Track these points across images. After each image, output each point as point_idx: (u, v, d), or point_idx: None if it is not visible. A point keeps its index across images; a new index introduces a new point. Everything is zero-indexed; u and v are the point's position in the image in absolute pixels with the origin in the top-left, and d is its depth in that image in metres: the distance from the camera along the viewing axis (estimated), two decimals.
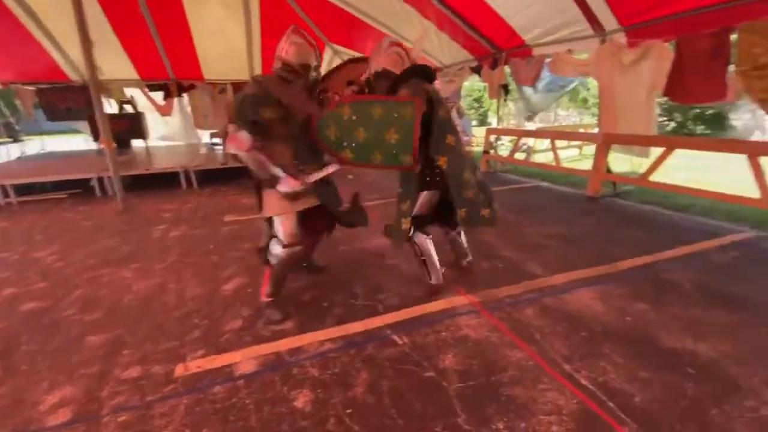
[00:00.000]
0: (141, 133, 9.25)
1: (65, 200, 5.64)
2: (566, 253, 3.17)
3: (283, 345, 2.01)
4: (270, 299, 2.29)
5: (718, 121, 12.79)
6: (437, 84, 2.42)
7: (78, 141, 12.36)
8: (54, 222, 4.50)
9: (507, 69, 6.63)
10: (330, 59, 9.71)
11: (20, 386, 1.77)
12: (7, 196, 5.39)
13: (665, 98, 4.59)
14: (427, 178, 2.29)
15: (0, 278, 2.95)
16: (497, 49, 6.30)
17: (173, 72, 9.34)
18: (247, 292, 2.62)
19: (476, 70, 7.41)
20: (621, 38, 4.56)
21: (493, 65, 6.67)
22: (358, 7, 7.20)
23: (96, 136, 8.80)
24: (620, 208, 4.59)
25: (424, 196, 2.37)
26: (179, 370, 1.85)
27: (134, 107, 9.59)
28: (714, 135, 12.30)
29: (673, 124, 13.39)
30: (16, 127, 15.57)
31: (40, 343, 2.11)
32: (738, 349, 1.90)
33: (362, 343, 2.01)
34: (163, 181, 6.37)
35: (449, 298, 2.45)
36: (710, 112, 12.72)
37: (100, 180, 5.90)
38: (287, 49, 2.05)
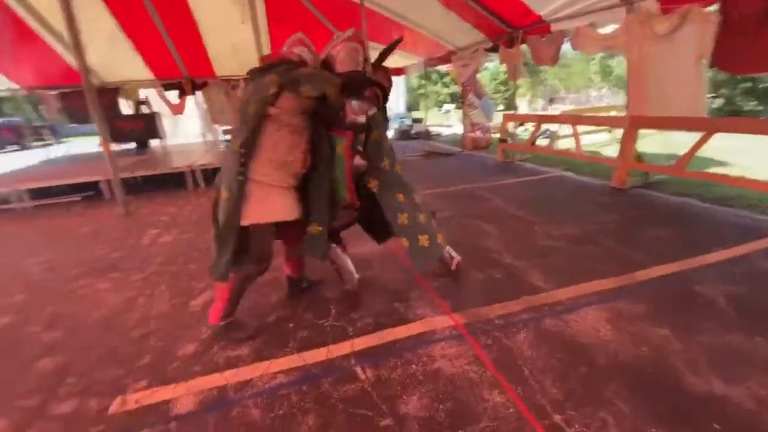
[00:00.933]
0: (157, 133, 9.40)
1: (78, 203, 5.74)
2: (577, 260, 2.76)
3: (231, 377, 1.79)
4: (226, 321, 2.08)
5: None
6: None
7: None
8: (57, 227, 4.54)
9: (525, 48, 6.08)
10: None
11: None
12: (22, 200, 5.54)
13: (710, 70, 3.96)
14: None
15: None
16: (512, 28, 5.76)
17: (186, 70, 9.37)
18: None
19: (493, 50, 6.88)
20: (652, 5, 3.96)
21: (510, 44, 6.12)
22: None
23: (113, 138, 9.02)
24: (649, 201, 4.06)
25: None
26: (115, 405, 1.67)
27: (149, 108, 9.71)
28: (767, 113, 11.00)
29: (720, 101, 12.09)
30: (55, 130, 16.41)
31: None
32: None
33: (320, 376, 1.75)
34: (173, 182, 6.36)
35: (431, 318, 2.14)
36: (763, 85, 11.35)
37: (109, 183, 5.95)
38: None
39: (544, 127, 7.71)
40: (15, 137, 15.16)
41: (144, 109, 9.67)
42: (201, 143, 10.34)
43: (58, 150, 11.81)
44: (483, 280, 2.55)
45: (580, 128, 5.44)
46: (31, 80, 8.75)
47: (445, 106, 20.88)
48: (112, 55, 8.32)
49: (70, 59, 8.11)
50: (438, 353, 1.84)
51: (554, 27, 5.05)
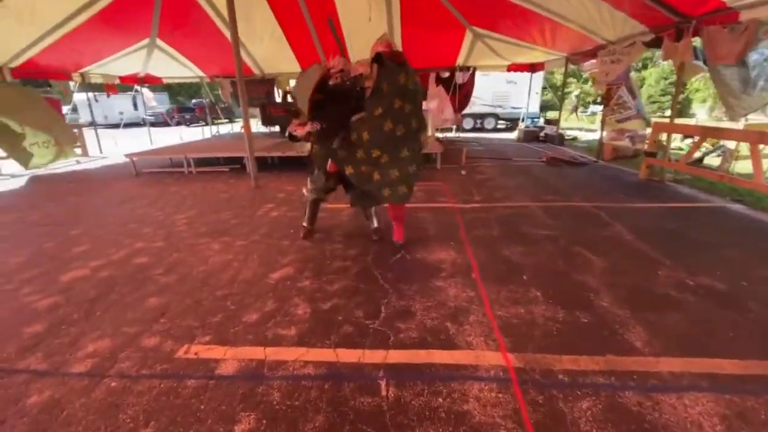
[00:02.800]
0: None
1: (226, 173, 6.95)
2: (705, 325, 2.08)
3: (271, 354, 1.91)
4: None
5: None
6: None
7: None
8: (205, 191, 5.59)
9: (697, 42, 4.81)
10: (471, 43, 9.06)
11: (82, 331, 2.18)
12: (189, 166, 7.00)
13: None
14: None
15: (143, 233, 3.80)
16: (682, 16, 4.60)
17: (326, 59, 10.34)
18: (286, 285, 2.64)
19: (654, 44, 5.67)
20: None
21: (677, 37, 4.93)
22: None
23: (264, 122, 10.62)
24: None
25: None
26: (182, 351, 1.97)
27: (293, 97, 11.05)
28: None
29: None
30: (233, 111, 20.22)
31: (122, 295, 2.58)
32: None
33: (345, 378, 1.73)
34: (301, 164, 7.16)
35: (481, 350, 1.89)
36: None
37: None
38: None
39: (718, 143, 6.07)
40: (203, 115, 19.17)
41: (290, 98, 11.03)
42: None
43: (231, 128, 14.51)
44: (563, 321, 2.14)
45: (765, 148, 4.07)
46: (214, 69, 10.92)
47: (591, 108, 18.30)
48: (271, 49, 9.73)
49: (243, 53, 9.83)
50: (473, 393, 1.62)
51: (745, 15, 3.82)
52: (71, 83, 9.74)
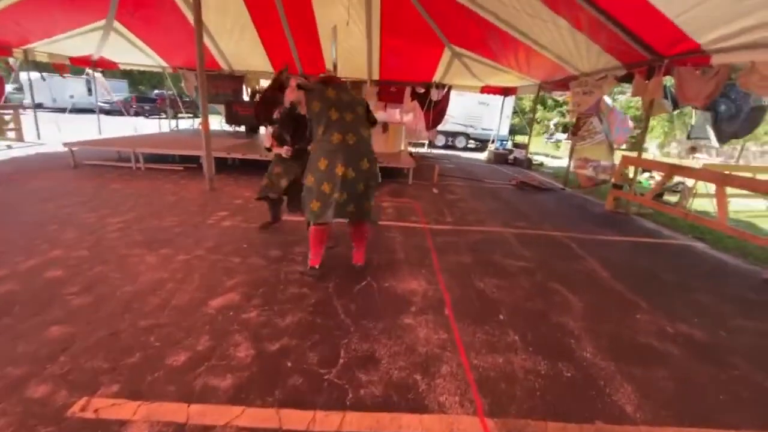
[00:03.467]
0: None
1: (179, 173, 6.33)
2: (692, 384, 1.91)
3: (195, 415, 1.50)
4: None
5: None
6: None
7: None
8: (151, 191, 4.99)
9: (669, 81, 4.95)
10: (449, 61, 9.05)
11: None
12: (138, 161, 6.32)
13: None
14: None
15: (63, 238, 3.22)
16: (655, 55, 4.71)
17: (302, 68, 9.97)
18: (227, 315, 2.22)
19: (625, 79, 5.82)
20: None
21: (648, 75, 5.06)
22: (486, 6, 6.31)
23: (228, 120, 10.00)
24: None
25: None
26: (77, 406, 1.52)
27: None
28: None
29: None
30: (198, 105, 19.15)
31: (18, 319, 2.06)
32: None
33: None
34: (263, 167, 6.67)
35: (455, 414, 1.60)
36: None
37: None
38: None
39: (676, 179, 6.30)
40: (164, 107, 18.01)
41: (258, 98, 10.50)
42: None
43: (192, 123, 13.64)
44: (545, 375, 1.89)
45: (729, 189, 4.17)
46: (178, 60, 10.20)
47: (556, 135, 19.06)
48: (242, 46, 9.21)
49: (211, 46, 9.23)
50: None
51: (716, 59, 3.93)
52: (11, 59, 8.68)
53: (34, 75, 14.69)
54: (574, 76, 7.25)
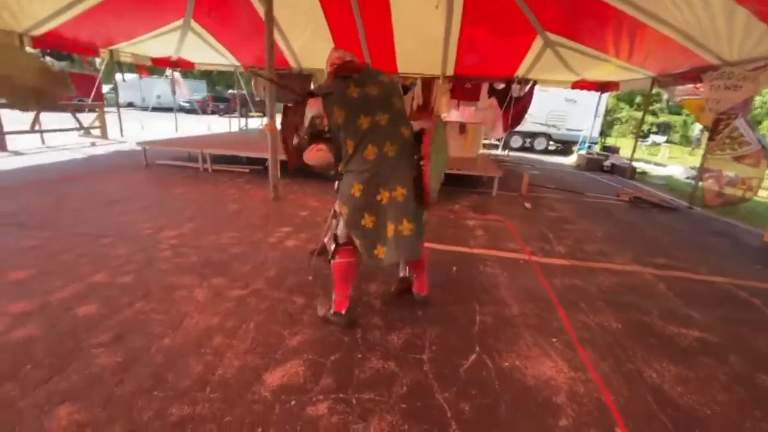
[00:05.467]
0: None
1: (246, 174, 6.00)
2: None
3: None
4: None
5: None
6: None
7: None
8: (213, 197, 4.61)
9: None
10: (539, 51, 7.83)
11: None
12: (205, 162, 6.09)
13: None
14: None
15: (113, 255, 2.81)
16: None
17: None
18: (286, 407, 1.54)
19: None
20: None
21: None
22: None
23: None
24: None
25: None
26: None
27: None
28: None
29: None
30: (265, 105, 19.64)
31: (23, 386, 1.55)
32: None
33: None
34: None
35: None
36: None
37: None
38: None
39: None
40: (237, 107, 18.65)
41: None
42: None
43: (261, 123, 13.79)
44: None
45: None
46: (249, 59, 10.13)
47: (652, 137, 16.57)
48: (312, 43, 8.83)
49: (281, 42, 8.97)
50: None
51: None
52: (97, 60, 9.16)
53: (129, 76, 15.81)
54: (711, 66, 5.74)
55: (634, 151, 8.30)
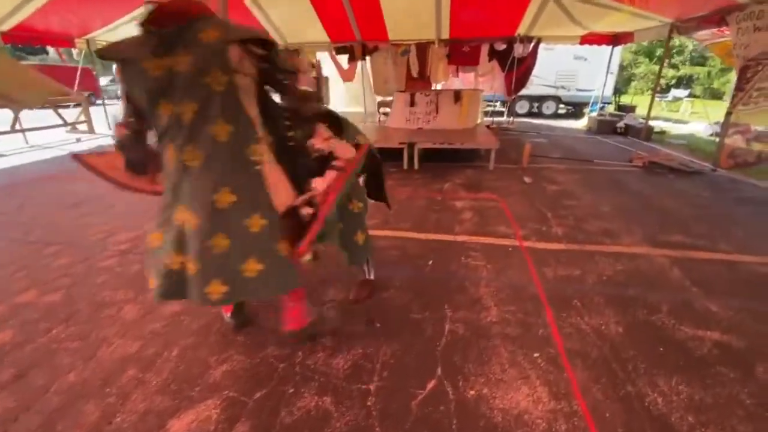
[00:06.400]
0: (322, 98, 9.22)
1: None
2: None
3: None
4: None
5: None
6: None
7: None
8: None
9: None
10: (540, 5, 7.03)
11: None
12: None
13: None
14: None
15: (54, 268, 2.54)
16: None
17: (360, 33, 8.71)
18: None
19: None
20: None
21: None
22: None
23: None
24: None
25: None
26: None
27: (318, 71, 9.58)
28: None
29: None
30: None
31: None
32: None
33: None
34: None
35: None
36: None
37: None
38: None
39: None
40: None
41: (313, 73, 9.57)
42: (353, 113, 9.80)
43: None
44: None
45: None
46: None
47: (673, 92, 15.35)
48: (294, 15, 8.22)
49: (261, 18, 8.38)
50: None
51: None
52: (74, 51, 8.80)
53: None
54: (737, 5, 4.97)
55: (650, 108, 7.53)
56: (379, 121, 8.90)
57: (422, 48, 8.77)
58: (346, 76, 9.35)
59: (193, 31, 1.19)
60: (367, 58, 9.16)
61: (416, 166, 5.15)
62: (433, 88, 8.79)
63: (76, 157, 1.54)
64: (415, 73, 8.91)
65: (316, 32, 8.81)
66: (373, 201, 2.08)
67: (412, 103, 6.86)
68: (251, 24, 8.27)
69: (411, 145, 5.12)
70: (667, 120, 10.80)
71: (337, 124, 1.67)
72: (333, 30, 8.70)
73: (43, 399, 1.52)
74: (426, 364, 1.66)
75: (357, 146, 1.64)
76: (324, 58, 9.62)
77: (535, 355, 1.71)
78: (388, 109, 8.65)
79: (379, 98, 9.44)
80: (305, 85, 1.44)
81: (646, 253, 2.71)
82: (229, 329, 1.91)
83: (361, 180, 1.97)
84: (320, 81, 9.11)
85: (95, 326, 1.97)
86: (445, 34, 8.57)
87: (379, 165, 1.98)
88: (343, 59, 9.18)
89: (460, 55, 9.00)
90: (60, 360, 1.73)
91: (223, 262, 1.30)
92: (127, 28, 8.14)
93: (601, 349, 1.76)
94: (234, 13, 7.44)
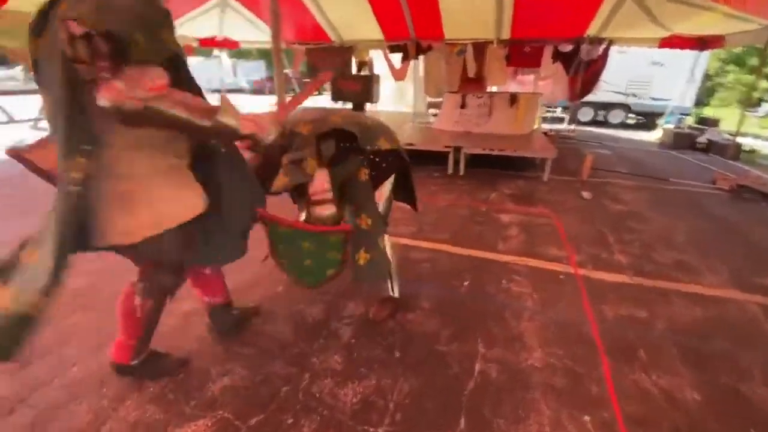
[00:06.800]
0: (370, 97, 9.10)
1: None
2: None
3: None
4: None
5: None
6: None
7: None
8: None
9: None
10: (616, 3, 6.35)
11: None
12: None
13: None
14: None
15: None
16: None
17: (414, 31, 8.48)
18: None
19: None
20: None
21: None
22: None
23: (335, 96, 9.25)
24: None
25: None
26: None
27: (370, 69, 9.50)
28: None
29: None
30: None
31: None
32: None
33: None
34: None
35: None
36: None
37: None
38: None
39: None
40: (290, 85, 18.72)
41: (365, 71, 9.52)
42: (402, 113, 9.59)
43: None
44: None
45: None
46: (290, 34, 9.77)
47: (765, 107, 13.48)
48: (351, 13, 8.18)
49: (317, 15, 8.44)
50: None
51: None
52: None
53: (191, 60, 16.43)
54: None
55: (740, 123, 6.55)
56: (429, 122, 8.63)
57: (479, 48, 8.35)
58: (398, 75, 9.18)
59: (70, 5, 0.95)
60: (420, 57, 8.91)
61: (462, 171, 4.83)
62: (487, 90, 8.35)
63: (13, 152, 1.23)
64: (471, 74, 8.51)
65: (371, 30, 8.72)
66: (401, 203, 1.88)
67: (463, 105, 6.53)
68: (306, 20, 8.36)
69: (457, 149, 4.82)
70: (757, 137, 9.42)
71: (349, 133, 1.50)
72: (388, 27, 8.56)
73: (41, 392, 1.47)
74: (448, 411, 1.41)
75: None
76: (376, 56, 9.52)
77: (585, 418, 1.39)
78: (437, 111, 8.35)
79: (429, 98, 9.16)
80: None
81: (733, 298, 2.23)
82: (236, 338, 1.77)
83: (388, 184, 1.76)
84: (372, 79, 8.99)
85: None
86: (506, 34, 8.08)
87: (407, 167, 1.79)
88: (396, 58, 9.02)
89: (521, 56, 8.43)
90: (69, 351, 1.69)
91: None
92: (192, 24, 8.58)
93: (672, 420, 1.40)
94: (290, 10, 7.56)
